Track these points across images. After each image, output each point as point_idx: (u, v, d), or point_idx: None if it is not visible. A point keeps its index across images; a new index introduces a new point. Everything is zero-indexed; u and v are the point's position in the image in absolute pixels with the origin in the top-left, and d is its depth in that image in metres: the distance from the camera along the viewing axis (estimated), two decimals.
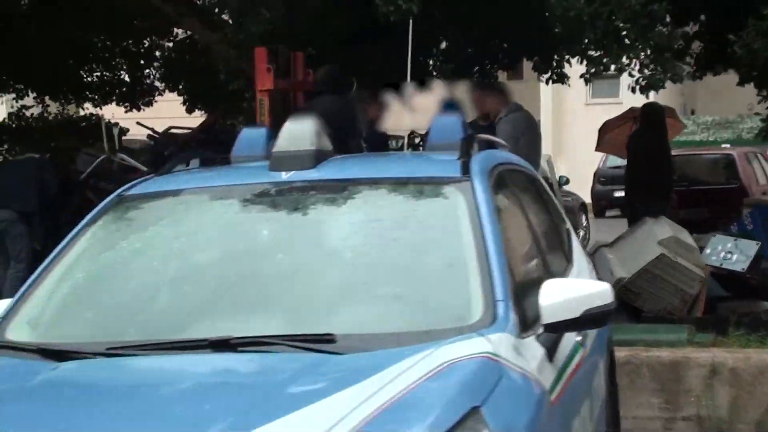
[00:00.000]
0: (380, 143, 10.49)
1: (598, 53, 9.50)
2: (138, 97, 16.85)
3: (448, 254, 4.40)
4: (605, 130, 14.82)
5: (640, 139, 13.12)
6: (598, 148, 15.98)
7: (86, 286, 4.65)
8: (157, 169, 12.29)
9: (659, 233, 9.01)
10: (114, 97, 16.81)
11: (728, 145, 25.64)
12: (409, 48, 7.57)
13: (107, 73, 16.62)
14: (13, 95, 16.22)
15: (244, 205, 4.81)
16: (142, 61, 16.80)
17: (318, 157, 4.90)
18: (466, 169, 4.77)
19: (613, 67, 9.36)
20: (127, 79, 16.93)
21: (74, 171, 12.44)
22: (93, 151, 12.94)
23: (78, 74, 16.41)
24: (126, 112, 16.52)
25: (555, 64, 12.45)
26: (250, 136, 5.59)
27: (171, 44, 17.07)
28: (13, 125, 15.90)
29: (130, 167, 12.62)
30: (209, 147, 12.46)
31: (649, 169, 12.71)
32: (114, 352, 4.07)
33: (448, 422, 3.31)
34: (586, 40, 9.67)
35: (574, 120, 34.22)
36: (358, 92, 9.86)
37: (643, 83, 9.35)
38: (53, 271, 4.65)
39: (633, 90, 9.59)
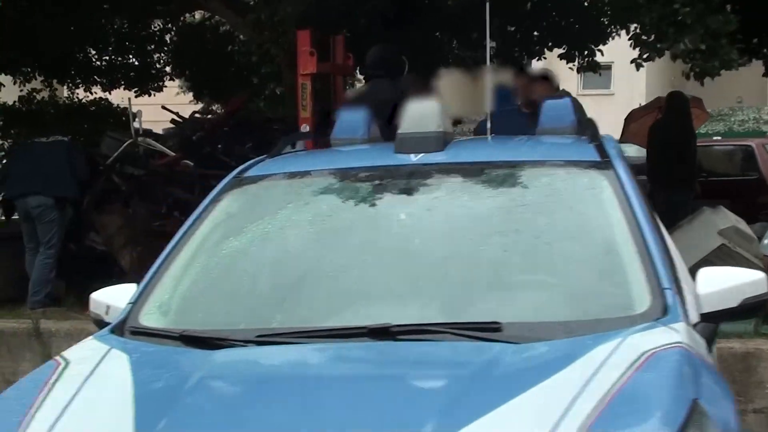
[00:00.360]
0: None
1: (652, 38, 9.31)
2: (147, 81, 16.59)
3: (604, 240, 4.24)
4: (630, 119, 14.69)
5: (664, 128, 13.01)
6: (621, 139, 15.82)
7: (218, 271, 4.46)
8: (186, 154, 12.15)
9: (719, 223, 8.88)
10: (123, 82, 16.53)
11: (719, 138, 25.56)
12: (487, 31, 7.38)
13: (116, 57, 16.35)
14: (20, 78, 15.90)
15: (376, 188, 4.62)
16: (151, 46, 16.53)
17: (445, 140, 4.74)
18: (603, 153, 4.62)
19: (667, 53, 9.17)
20: (136, 63, 16.66)
21: (98, 155, 12.17)
22: (118, 135, 12.71)
23: (86, 57, 16.15)
24: (136, 96, 16.24)
25: (587, 52, 12.33)
26: (350, 118, 5.42)
27: (178, 29, 16.81)
28: (24, 109, 15.61)
29: (155, 152, 12.39)
30: (241, 132, 12.31)
31: (673, 159, 12.61)
32: (265, 340, 3.88)
33: (678, 416, 3.14)
34: (640, 25, 9.48)
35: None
36: (407, 76, 9.66)
37: (697, 70, 9.18)
38: (179, 256, 4.47)
39: (687, 77, 9.42)
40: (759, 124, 29.07)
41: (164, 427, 3.23)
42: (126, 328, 4.17)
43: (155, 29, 16.42)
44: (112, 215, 11.47)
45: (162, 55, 16.70)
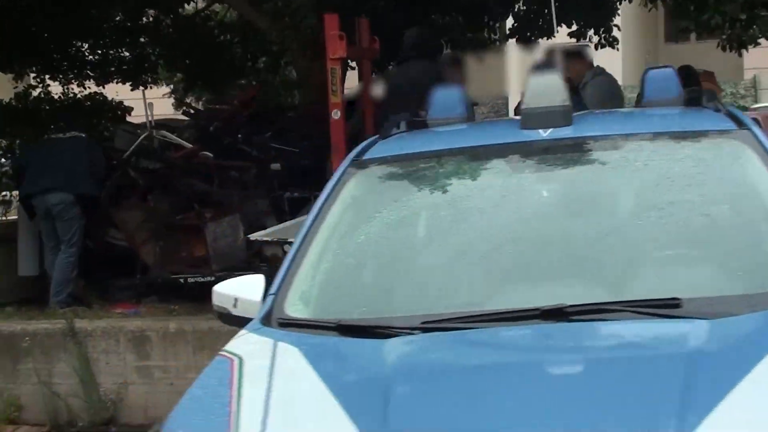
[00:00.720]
0: None
1: (692, 9, 9.19)
2: (141, 74, 16.24)
3: (762, 208, 4.09)
4: None
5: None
6: None
7: (357, 257, 4.29)
8: (205, 146, 11.92)
9: None
10: (116, 76, 16.18)
11: None
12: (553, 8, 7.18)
13: (109, 51, 16.00)
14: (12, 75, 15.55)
15: (512, 166, 4.46)
16: (145, 38, 16.19)
17: (571, 113, 4.59)
18: (738, 121, 4.48)
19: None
20: (128, 56, 16.31)
21: (111, 149, 11.91)
22: (131, 128, 12.44)
23: (78, 51, 15.80)
24: (132, 90, 15.91)
25: (603, 29, 12.21)
26: (445, 96, 5.24)
27: (172, 20, 16.49)
28: (19, 106, 15.22)
29: (170, 145, 12.15)
30: (258, 120, 12.11)
31: None
32: (431, 326, 3.71)
33: None
34: None
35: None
36: (444, 57, 9.50)
37: (734, 40, 9.06)
38: (314, 244, 4.29)
39: (723, 48, 9.31)
40: (736, 99, 29.15)
41: (395, 422, 3.04)
42: (273, 320, 3.98)
43: (149, 21, 16.09)
44: (132, 210, 11.23)
45: (156, 48, 16.35)
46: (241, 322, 4.37)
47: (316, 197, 11.50)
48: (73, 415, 9.29)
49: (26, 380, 9.37)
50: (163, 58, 16.60)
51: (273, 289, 4.15)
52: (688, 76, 12.93)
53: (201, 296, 10.53)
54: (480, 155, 4.51)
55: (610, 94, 9.33)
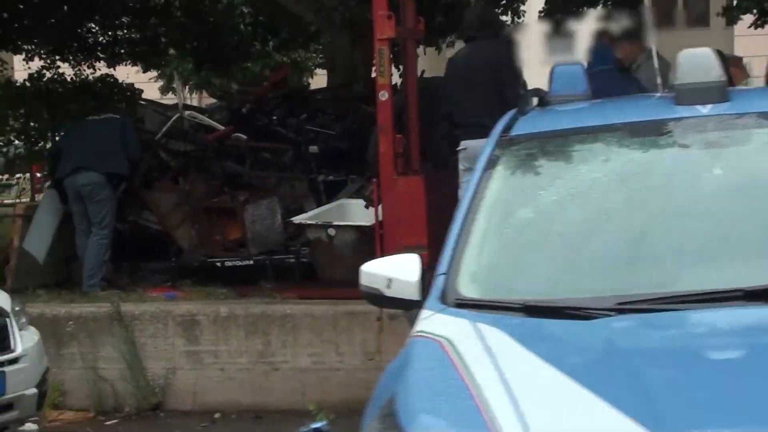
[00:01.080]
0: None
1: None
2: (151, 56, 16.05)
3: None
4: None
5: None
6: None
7: (524, 236, 4.15)
8: (238, 128, 11.73)
9: None
10: (127, 58, 15.99)
11: None
12: None
13: (120, 32, 15.81)
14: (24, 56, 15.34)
15: (679, 142, 4.32)
16: (155, 19, 15.99)
17: (726, 89, 4.45)
18: None
19: None
20: (138, 37, 16.11)
21: (141, 131, 11.69)
22: (161, 109, 12.23)
23: (88, 32, 15.60)
24: (144, 72, 15.72)
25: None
26: (565, 73, 5.09)
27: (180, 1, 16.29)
28: (33, 88, 15.01)
29: (200, 126, 11.95)
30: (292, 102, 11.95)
31: None
32: (627, 308, 3.57)
33: None
34: None
35: (528, 79, 33.98)
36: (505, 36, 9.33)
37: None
38: (476, 223, 4.14)
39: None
40: None
41: (667, 410, 2.91)
42: (450, 300, 3.84)
43: (159, 1, 15.88)
44: (166, 192, 11.03)
45: (165, 29, 16.15)
46: (395, 303, 4.24)
47: (352, 180, 11.40)
48: (119, 401, 9.11)
49: (70, 365, 9.18)
50: (173, 39, 16.41)
51: (442, 269, 4.00)
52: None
53: (235, 280, 10.40)
54: (641, 131, 4.38)
55: (663, 77, 9.18)
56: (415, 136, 9.90)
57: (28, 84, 14.90)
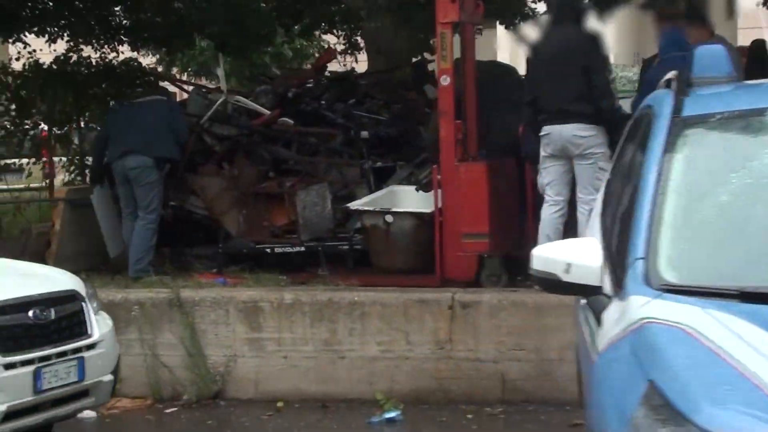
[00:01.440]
0: None
1: None
2: (176, 39, 15.80)
3: None
4: None
5: (750, 78, 12.70)
6: None
7: (726, 220, 3.99)
8: (284, 111, 11.53)
9: None
10: (150, 41, 15.74)
11: None
12: None
13: (144, 15, 15.55)
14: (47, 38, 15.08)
15: None
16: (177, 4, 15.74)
17: None
18: None
19: None
20: (160, 20, 15.86)
21: (185, 114, 11.49)
22: (204, 94, 12.03)
23: (112, 15, 15.36)
24: (169, 55, 15.48)
25: None
26: (707, 54, 4.95)
27: None
28: (59, 71, 14.74)
29: (244, 110, 11.75)
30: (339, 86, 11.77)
31: None
32: None
33: None
34: None
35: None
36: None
37: None
38: (666, 207, 3.99)
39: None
40: None
41: None
42: (654, 286, 3.69)
43: None
44: (213, 177, 10.84)
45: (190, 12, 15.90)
46: (572, 288, 4.09)
47: (400, 166, 11.21)
48: (177, 389, 8.93)
49: (127, 351, 8.96)
50: (193, 21, 16.14)
51: (639, 253, 3.84)
52: (759, 48, 12.81)
53: (284, 266, 10.23)
54: None
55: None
56: (473, 122, 9.77)
57: (54, 67, 14.64)
